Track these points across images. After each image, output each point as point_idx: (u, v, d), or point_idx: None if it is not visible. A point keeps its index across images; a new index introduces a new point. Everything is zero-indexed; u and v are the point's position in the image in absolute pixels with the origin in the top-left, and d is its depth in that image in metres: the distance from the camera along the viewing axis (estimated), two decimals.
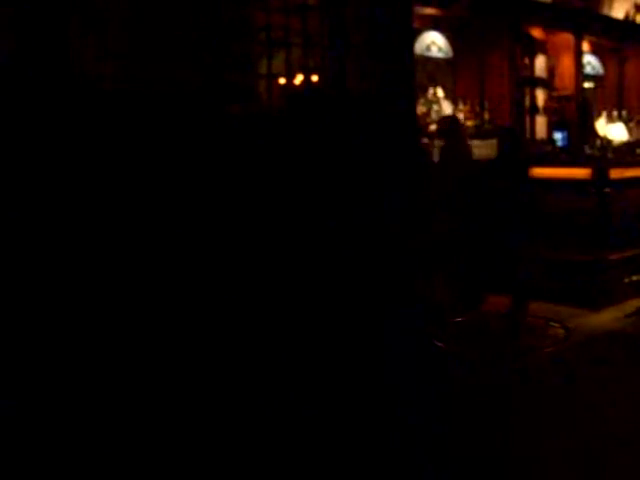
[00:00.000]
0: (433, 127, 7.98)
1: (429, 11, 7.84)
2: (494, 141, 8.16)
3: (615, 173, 6.38)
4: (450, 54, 8.62)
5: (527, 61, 9.10)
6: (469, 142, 7.04)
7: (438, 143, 6.93)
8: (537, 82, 9.23)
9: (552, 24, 9.17)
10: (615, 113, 10.31)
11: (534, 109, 9.13)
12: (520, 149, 5.44)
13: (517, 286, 4.79)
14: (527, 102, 9.11)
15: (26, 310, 1.46)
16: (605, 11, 10.25)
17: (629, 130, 10.21)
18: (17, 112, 2.61)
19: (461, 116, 8.45)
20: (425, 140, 7.11)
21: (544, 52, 9.39)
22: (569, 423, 2.32)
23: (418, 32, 7.95)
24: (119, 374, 1.34)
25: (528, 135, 9.01)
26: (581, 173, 6.39)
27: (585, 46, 9.82)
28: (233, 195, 1.52)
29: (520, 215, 5.10)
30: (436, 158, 6.53)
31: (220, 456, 1.15)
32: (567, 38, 9.39)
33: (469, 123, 8.43)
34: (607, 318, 5.16)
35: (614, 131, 10.06)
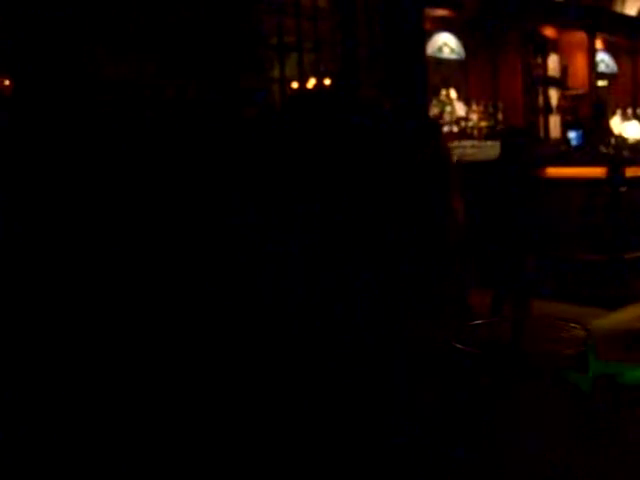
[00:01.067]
0: (446, 128, 7.97)
1: (440, 12, 7.84)
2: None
3: (631, 171, 6.34)
4: (462, 55, 8.61)
5: (540, 60, 9.07)
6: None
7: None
8: (550, 81, 9.19)
9: (564, 23, 9.14)
10: (630, 111, 10.26)
11: (548, 109, 9.10)
12: (524, 150, 5.41)
13: (521, 287, 4.77)
14: (540, 102, 9.08)
15: (23, 310, 1.48)
16: (618, 8, 10.20)
17: None
18: (37, 111, 2.64)
19: (474, 117, 8.43)
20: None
21: (557, 51, 9.36)
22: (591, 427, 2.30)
23: (430, 34, 7.94)
24: (117, 374, 1.35)
25: (542, 135, 8.98)
26: (596, 172, 6.36)
27: (598, 44, 9.78)
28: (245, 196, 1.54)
29: (522, 216, 5.08)
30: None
31: (221, 456, 1.16)
32: (580, 36, 9.36)
33: (483, 124, 8.42)
34: (625, 317, 5.13)
35: (629, 129, 10.01)
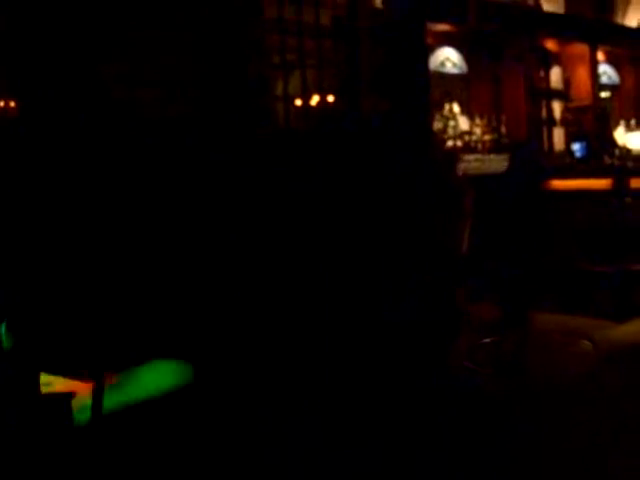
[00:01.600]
0: (450, 143, 7.99)
1: (442, 27, 7.87)
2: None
3: (636, 182, 6.33)
4: (465, 69, 8.63)
5: (542, 73, 9.09)
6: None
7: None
8: (553, 94, 9.21)
9: (566, 35, 9.17)
10: (633, 122, 10.25)
11: (551, 121, 9.11)
12: (532, 163, 5.41)
13: (524, 300, 4.76)
14: (544, 114, 9.10)
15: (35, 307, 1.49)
16: (619, 20, 10.24)
17: None
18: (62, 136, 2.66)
19: (478, 131, 8.45)
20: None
21: (559, 63, 9.38)
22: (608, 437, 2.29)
23: (432, 48, 7.98)
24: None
25: (546, 147, 8.98)
26: (601, 184, 6.35)
27: (600, 56, 9.80)
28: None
29: (529, 228, 5.07)
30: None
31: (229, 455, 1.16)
32: (581, 48, 9.38)
33: (486, 137, 8.43)
34: (632, 330, 5.11)
35: (633, 140, 10.00)
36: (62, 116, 3.39)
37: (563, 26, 8.96)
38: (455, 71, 8.55)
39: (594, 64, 9.49)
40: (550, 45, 9.19)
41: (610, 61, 10.38)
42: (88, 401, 1.40)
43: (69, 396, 1.56)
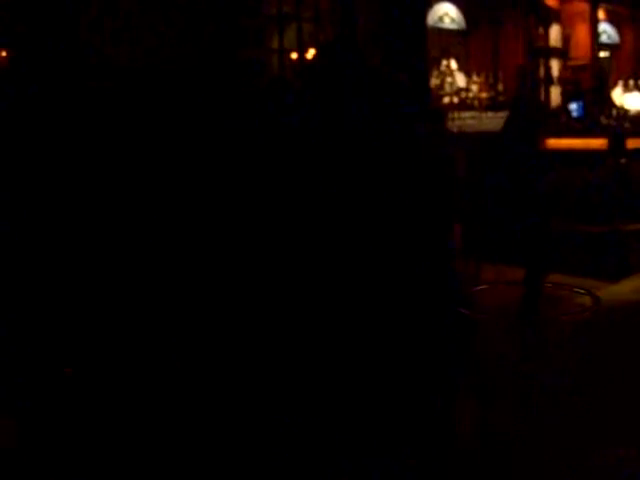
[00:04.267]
0: (447, 99, 7.92)
1: None
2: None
3: (632, 143, 6.30)
4: (463, 25, 8.52)
5: (542, 31, 8.98)
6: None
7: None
8: (552, 52, 9.11)
9: None
10: (632, 82, 10.17)
11: (549, 79, 9.02)
12: (534, 116, 5.39)
13: (536, 256, 4.75)
14: (542, 72, 9.01)
15: (25, 307, 1.47)
16: None
17: None
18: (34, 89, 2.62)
19: (475, 88, 8.37)
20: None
21: (559, 21, 9.26)
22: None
23: (430, 3, 7.85)
24: (116, 372, 1.34)
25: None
26: (597, 143, 6.32)
27: (600, 14, 9.68)
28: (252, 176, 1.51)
29: (539, 186, 5.06)
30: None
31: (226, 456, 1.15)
32: (582, 6, 9.26)
33: (483, 95, 8.36)
34: (626, 289, 5.12)
35: (631, 100, 9.93)
36: (43, 67, 3.33)
37: None
38: (453, 27, 8.43)
39: (594, 22, 9.38)
40: (550, 2, 9.07)
41: (610, 20, 10.26)
42: None
43: None
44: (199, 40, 4.31)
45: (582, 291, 0.67)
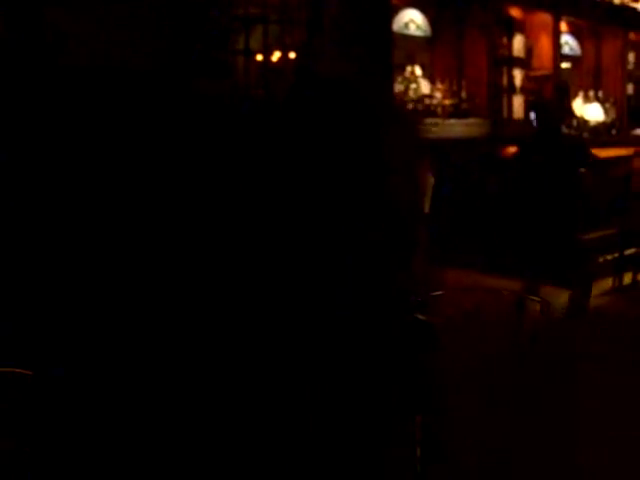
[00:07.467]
0: (411, 106, 7.96)
1: None
2: (471, 120, 8.18)
3: None
4: (429, 32, 8.58)
5: (505, 40, 9.08)
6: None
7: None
8: (515, 61, 9.22)
9: (531, 3, 9.16)
10: (592, 93, 10.35)
11: (511, 89, 9.13)
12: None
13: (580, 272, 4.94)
14: (505, 82, 9.11)
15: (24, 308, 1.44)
16: None
17: (605, 111, 10.25)
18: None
19: (439, 95, 8.43)
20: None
21: (522, 32, 9.38)
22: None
23: (396, 9, 7.90)
24: (116, 373, 1.32)
25: (505, 115, 9.02)
26: None
27: (563, 26, 9.83)
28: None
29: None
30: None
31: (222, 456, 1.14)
32: (545, 18, 9.38)
33: (447, 102, 8.42)
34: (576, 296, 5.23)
35: (590, 111, 10.10)
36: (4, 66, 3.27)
37: None
38: (419, 33, 8.49)
39: (557, 34, 9.52)
40: (514, 12, 9.18)
41: (572, 32, 10.42)
42: None
43: None
44: (161, 40, 4.27)
45: (535, 298, 0.67)
